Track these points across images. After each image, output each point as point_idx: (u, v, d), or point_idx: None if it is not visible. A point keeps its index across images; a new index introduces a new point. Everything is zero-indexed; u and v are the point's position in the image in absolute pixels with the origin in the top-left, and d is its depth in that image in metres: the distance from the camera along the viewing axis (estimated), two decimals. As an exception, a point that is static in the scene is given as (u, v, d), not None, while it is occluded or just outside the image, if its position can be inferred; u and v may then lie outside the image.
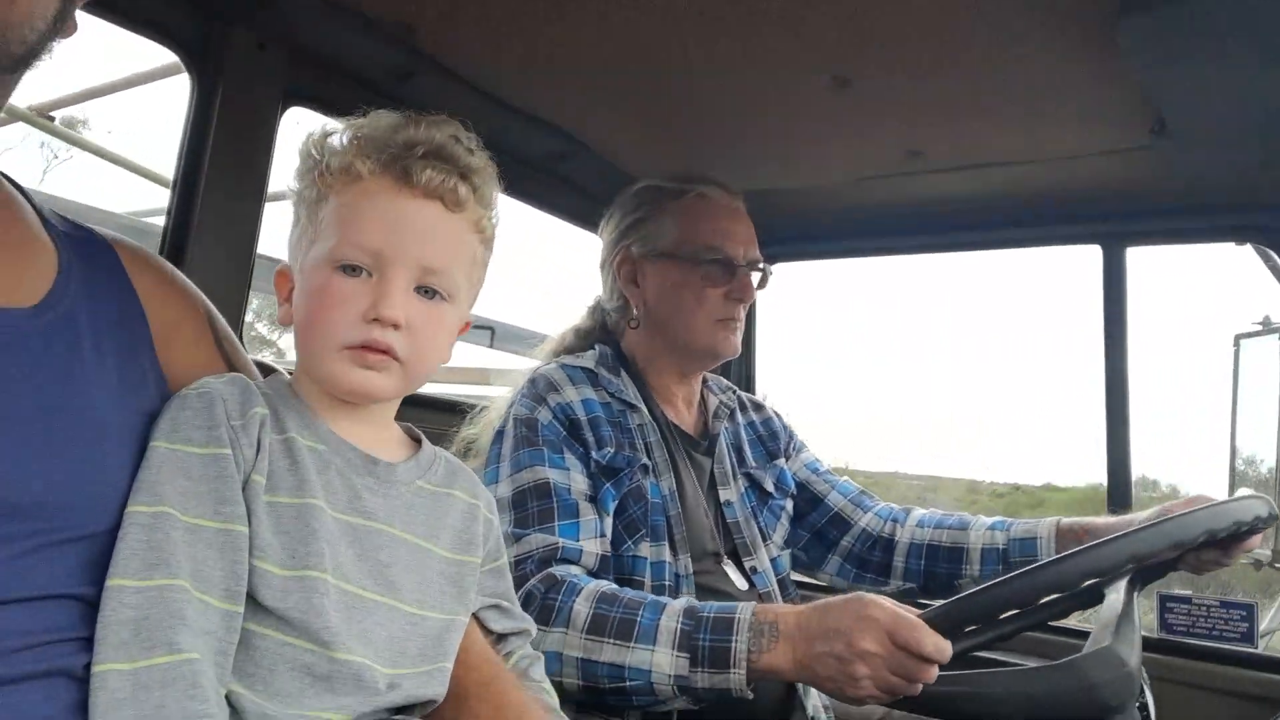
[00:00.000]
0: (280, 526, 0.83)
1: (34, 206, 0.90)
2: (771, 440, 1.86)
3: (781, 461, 1.83)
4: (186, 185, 1.50)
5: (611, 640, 1.26)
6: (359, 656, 0.83)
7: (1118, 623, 1.15)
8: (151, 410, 0.85)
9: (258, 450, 0.85)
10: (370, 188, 0.88)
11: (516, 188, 2.11)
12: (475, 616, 1.03)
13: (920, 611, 1.20)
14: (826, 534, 1.83)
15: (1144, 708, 1.20)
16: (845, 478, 1.91)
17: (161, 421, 0.84)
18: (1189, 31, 1.32)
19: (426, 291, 0.90)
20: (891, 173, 2.06)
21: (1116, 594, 1.21)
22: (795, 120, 1.82)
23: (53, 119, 3.36)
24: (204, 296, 1.04)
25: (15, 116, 3.28)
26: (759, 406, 1.93)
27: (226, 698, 0.78)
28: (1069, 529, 1.63)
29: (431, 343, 0.91)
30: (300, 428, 0.89)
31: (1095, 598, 1.29)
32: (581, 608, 1.28)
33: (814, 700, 1.56)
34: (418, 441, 1.02)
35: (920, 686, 1.15)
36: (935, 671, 1.14)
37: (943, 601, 1.24)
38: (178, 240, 1.49)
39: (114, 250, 0.94)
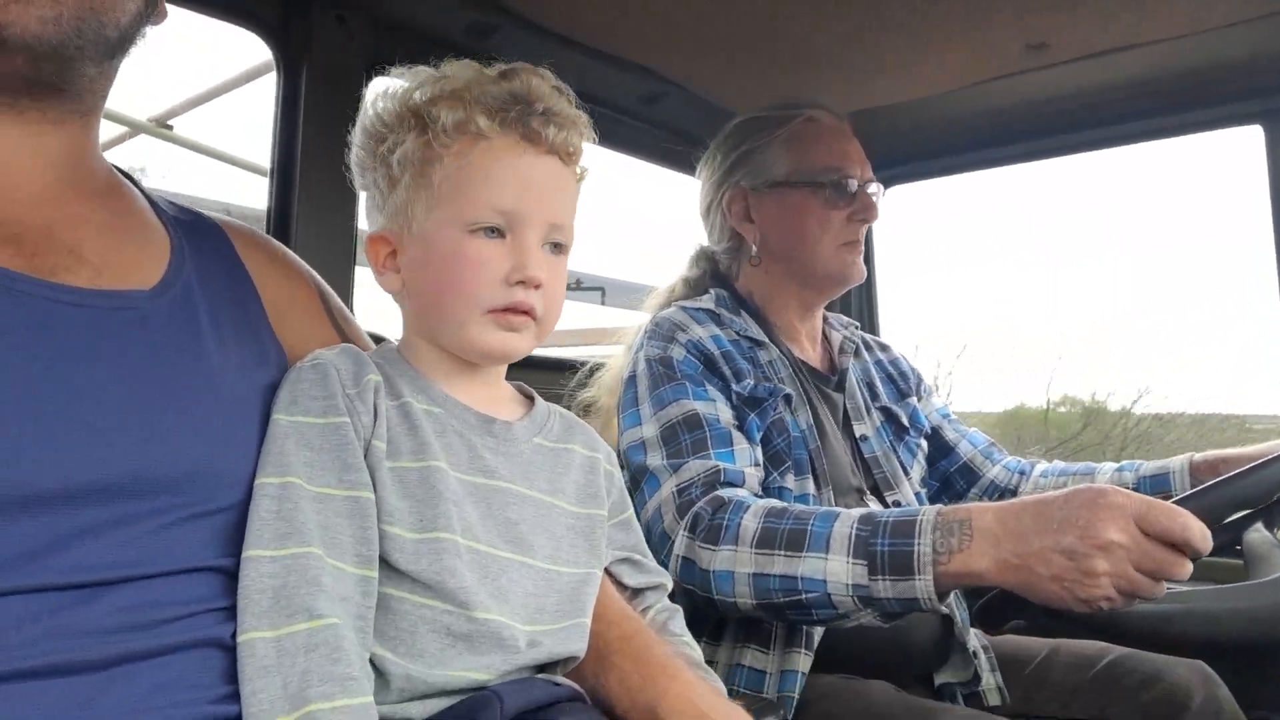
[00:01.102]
0: (406, 490, 0.83)
1: (144, 193, 0.92)
2: (902, 379, 1.79)
3: (914, 400, 1.75)
4: (284, 169, 1.52)
5: (782, 552, 1.19)
6: (497, 615, 0.84)
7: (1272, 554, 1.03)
8: (273, 384, 0.87)
9: (375, 416, 0.85)
10: (495, 146, 0.87)
11: (609, 136, 2.06)
12: (608, 572, 1.01)
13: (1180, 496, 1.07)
14: (954, 483, 1.78)
15: None
16: (974, 428, 1.83)
17: (280, 395, 0.85)
18: None
19: (553, 247, 0.92)
20: (1009, 72, 1.88)
21: (1259, 533, 1.11)
22: (897, 25, 1.68)
23: (170, 128, 3.53)
24: (313, 272, 1.05)
25: (137, 129, 3.47)
26: (884, 346, 1.87)
27: (371, 662, 0.79)
28: (1204, 463, 1.54)
29: (560, 297, 0.93)
30: (415, 392, 0.89)
31: None
32: (750, 523, 1.23)
33: (974, 639, 1.47)
34: (530, 399, 1.01)
35: (1164, 587, 1.01)
36: (1189, 567, 1.00)
37: (1200, 487, 1.10)
38: (281, 224, 1.51)
39: (223, 231, 0.96)
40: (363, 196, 0.97)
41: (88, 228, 0.81)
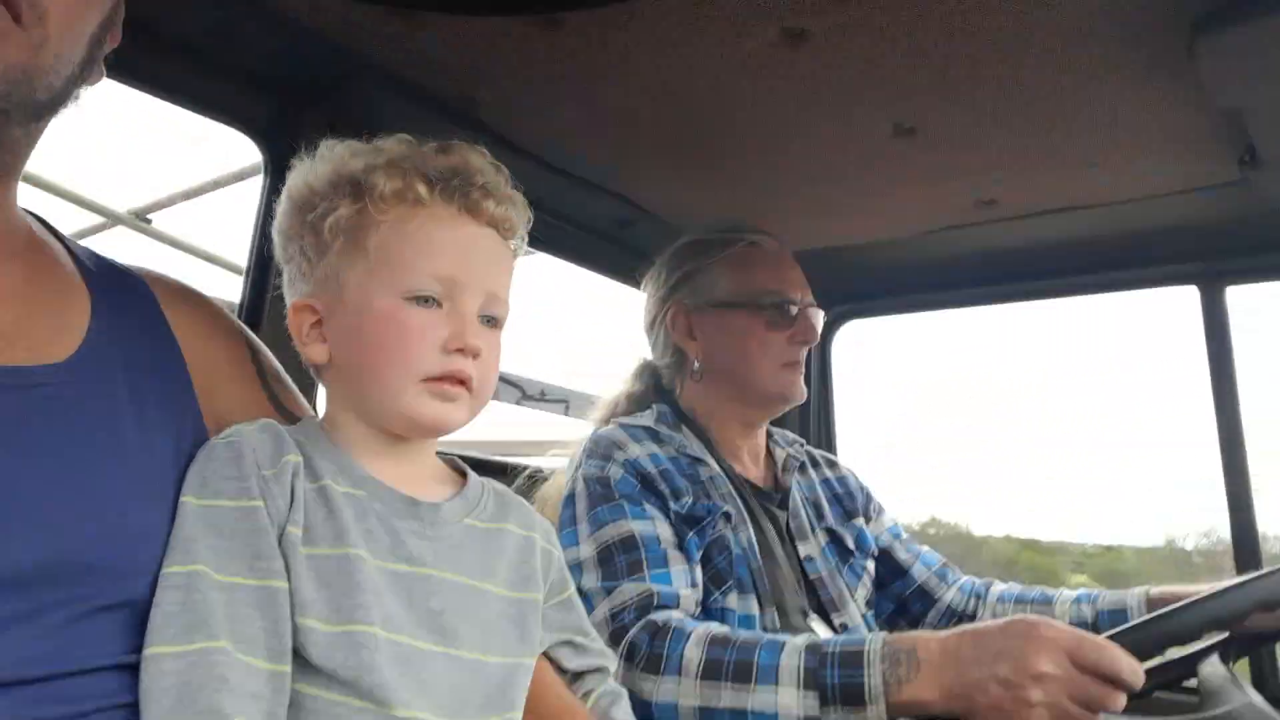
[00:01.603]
0: (322, 580, 0.79)
1: (67, 248, 0.87)
2: (849, 499, 1.78)
3: (860, 521, 1.74)
4: (260, 267, 1.54)
5: (730, 684, 1.17)
6: (419, 712, 0.78)
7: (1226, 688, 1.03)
8: (190, 462, 0.82)
9: (291, 500, 0.81)
10: (435, 215, 0.87)
11: (582, 254, 2.13)
12: (547, 656, 0.97)
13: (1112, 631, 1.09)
14: (910, 607, 1.75)
15: None
16: (926, 547, 1.82)
17: (191, 475, 0.80)
18: (1271, 48, 1.25)
19: (489, 320, 0.89)
20: (962, 223, 2.00)
21: (1212, 666, 1.10)
22: (859, 173, 1.79)
23: (149, 221, 3.57)
24: (247, 330, 1.01)
25: (115, 220, 3.50)
26: (832, 464, 1.86)
27: None
28: (1160, 597, 1.52)
29: (495, 370, 0.90)
30: (336, 473, 0.85)
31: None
32: (693, 653, 1.21)
33: None
34: (463, 475, 0.96)
35: (1101, 717, 1.02)
36: (1123, 699, 1.01)
37: (1131, 623, 1.12)
38: (252, 320, 1.52)
39: (148, 287, 0.91)
40: (285, 271, 0.94)
41: (1, 295, 0.76)
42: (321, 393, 0.96)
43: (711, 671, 1.19)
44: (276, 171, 1.56)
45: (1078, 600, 1.63)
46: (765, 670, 1.17)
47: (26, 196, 0.86)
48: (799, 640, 1.20)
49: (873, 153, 1.70)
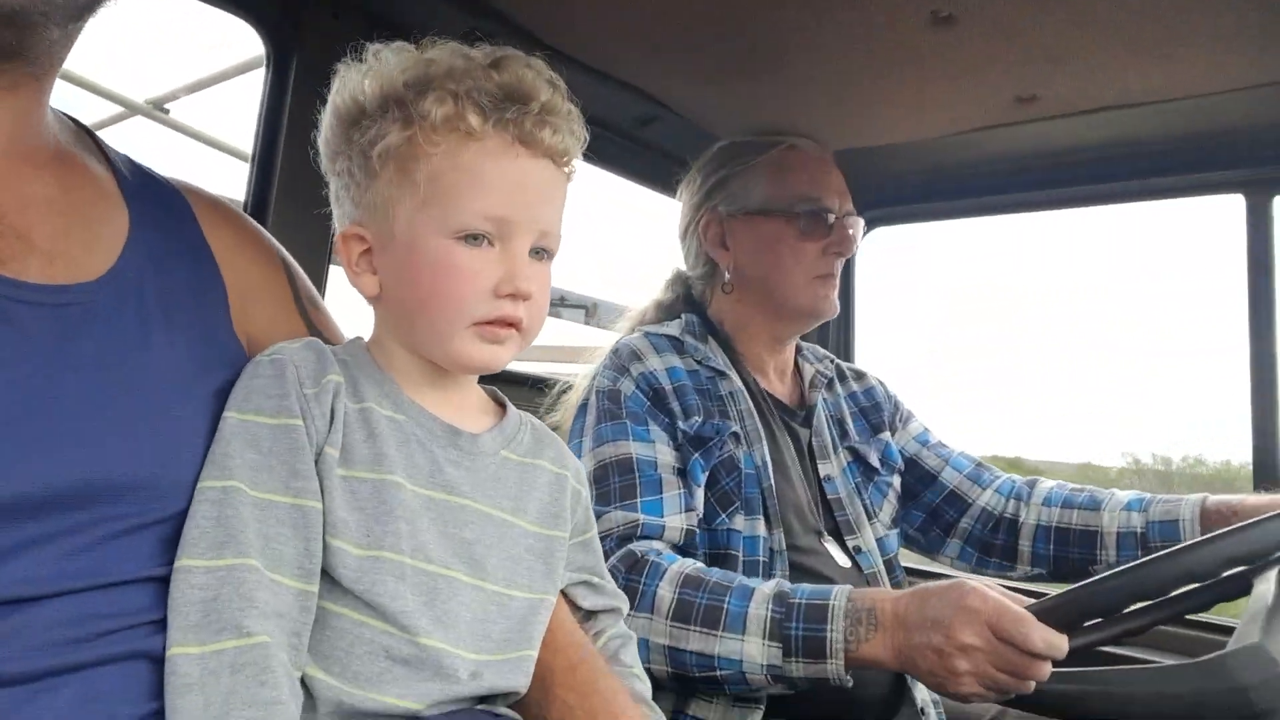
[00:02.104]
0: (356, 503, 0.79)
1: (104, 153, 0.86)
2: (875, 412, 1.74)
3: (886, 435, 1.72)
4: (265, 159, 1.51)
5: (698, 628, 1.20)
6: (440, 642, 0.80)
7: (1268, 616, 1.01)
8: (227, 384, 0.82)
9: (331, 421, 0.80)
10: (488, 147, 0.81)
11: (598, 153, 2.06)
12: (563, 593, 0.98)
13: (1031, 603, 1.09)
14: (943, 514, 1.70)
15: None
16: (959, 450, 1.76)
17: (235, 390, 0.81)
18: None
19: (539, 253, 0.86)
20: (999, 122, 1.89)
21: (1266, 585, 1.06)
22: (892, 67, 1.69)
23: (167, 111, 3.52)
24: (283, 250, 0.99)
25: (134, 110, 3.45)
26: (860, 375, 1.82)
27: (302, 681, 0.75)
28: (1216, 509, 1.45)
29: (544, 307, 0.88)
30: (379, 397, 0.85)
31: (1242, 588, 1.12)
32: (665, 592, 1.23)
33: (923, 693, 1.46)
34: (501, 406, 0.96)
35: (1032, 684, 1.05)
36: (1047, 669, 1.04)
37: (1057, 592, 1.12)
38: (258, 213, 1.49)
39: (188, 203, 0.90)
40: (331, 184, 0.90)
41: (38, 208, 0.76)
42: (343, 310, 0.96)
43: (682, 614, 1.21)
44: (279, 60, 1.51)
45: (1128, 508, 1.54)
46: (734, 618, 1.20)
47: None
48: (768, 588, 1.22)
49: (908, 44, 1.60)
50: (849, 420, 1.71)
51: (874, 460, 1.66)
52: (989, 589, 1.11)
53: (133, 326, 0.77)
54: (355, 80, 0.85)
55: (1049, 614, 1.06)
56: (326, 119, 0.88)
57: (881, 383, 1.83)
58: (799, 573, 1.42)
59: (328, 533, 0.77)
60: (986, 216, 2.36)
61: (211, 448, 0.77)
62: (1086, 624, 1.10)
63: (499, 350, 0.84)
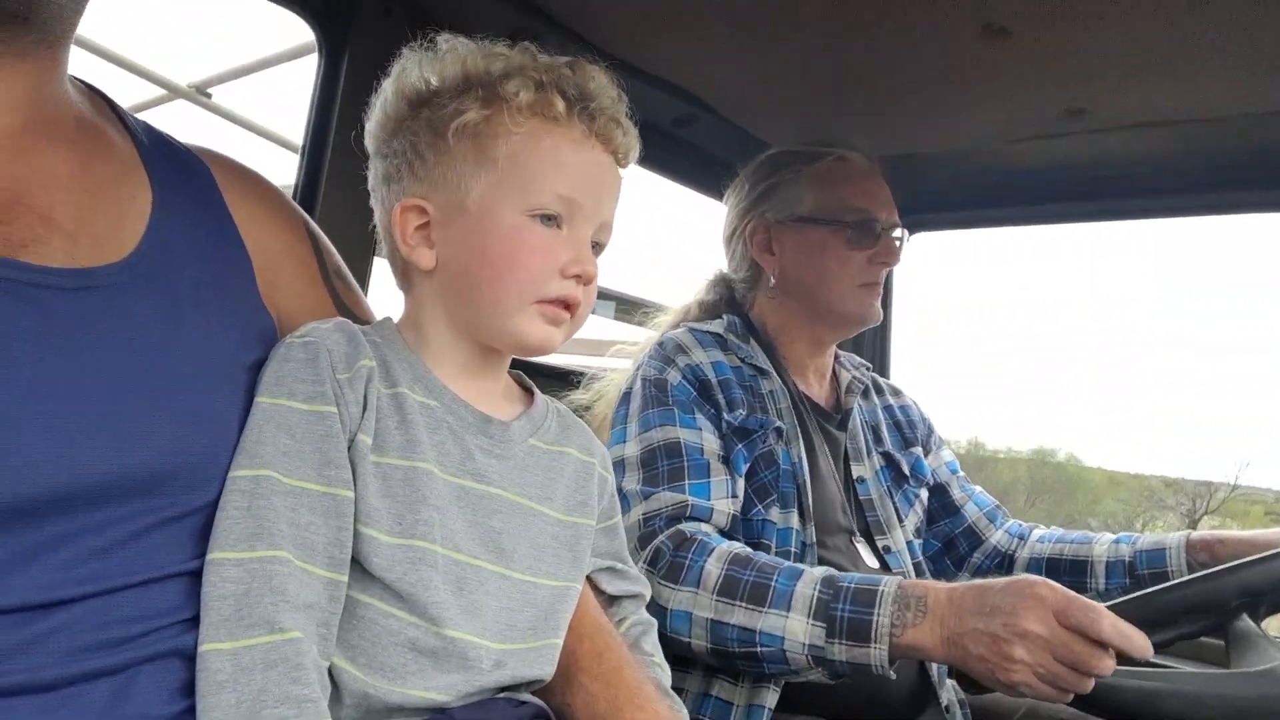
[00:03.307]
0: (388, 490, 0.79)
1: (123, 121, 0.83)
2: (910, 428, 1.77)
3: (919, 450, 1.74)
4: (315, 150, 1.52)
5: (743, 604, 1.21)
6: (466, 633, 0.80)
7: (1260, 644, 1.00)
8: (261, 360, 0.80)
9: (365, 407, 0.80)
10: (571, 134, 0.85)
11: (642, 155, 2.06)
12: (588, 579, 0.99)
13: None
14: (958, 546, 1.76)
15: None
16: (980, 488, 1.81)
17: (266, 374, 0.80)
18: None
19: (595, 245, 0.89)
20: (1048, 133, 1.87)
21: (1244, 624, 1.08)
22: (942, 76, 1.67)
23: (210, 95, 3.55)
24: (310, 221, 0.97)
25: (176, 94, 3.49)
26: (897, 392, 1.85)
27: (328, 671, 0.75)
28: (1200, 542, 1.52)
29: (594, 297, 0.90)
30: (412, 381, 0.85)
31: None
32: (713, 568, 1.24)
33: (949, 693, 1.46)
34: (529, 393, 0.97)
35: (1091, 682, 1.03)
36: (1111, 663, 1.02)
37: (1134, 595, 1.13)
38: (306, 203, 1.51)
39: (209, 172, 0.86)
40: (380, 166, 0.91)
41: (59, 185, 0.72)
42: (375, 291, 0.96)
43: (728, 589, 1.22)
44: (330, 51, 1.52)
45: (1117, 541, 1.62)
46: (780, 595, 1.20)
47: (85, 65, 0.82)
48: (818, 571, 1.23)
49: (959, 54, 1.58)
50: (884, 429, 1.73)
51: (905, 469, 1.68)
52: (1058, 585, 1.09)
53: (161, 308, 0.74)
54: (421, 60, 0.87)
55: (1124, 606, 1.06)
56: (388, 98, 0.89)
57: (917, 404, 1.85)
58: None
59: (359, 521, 0.77)
60: (1027, 225, 2.34)
61: (243, 434, 0.76)
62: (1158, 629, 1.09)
63: (554, 332, 0.86)
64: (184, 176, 0.83)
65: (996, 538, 1.74)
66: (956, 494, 1.77)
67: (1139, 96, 1.69)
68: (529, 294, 0.84)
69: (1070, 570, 1.63)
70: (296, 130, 1.59)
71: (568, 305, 0.86)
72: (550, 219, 0.84)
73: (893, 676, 1.17)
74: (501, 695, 0.85)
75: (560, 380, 1.78)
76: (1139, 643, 1.02)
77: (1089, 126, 1.82)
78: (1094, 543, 1.64)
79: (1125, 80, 1.63)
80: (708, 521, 1.34)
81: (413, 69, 0.88)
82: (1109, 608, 1.06)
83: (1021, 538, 1.74)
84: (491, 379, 0.92)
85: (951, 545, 1.76)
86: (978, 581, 1.17)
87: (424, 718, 0.79)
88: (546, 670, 0.88)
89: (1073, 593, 1.06)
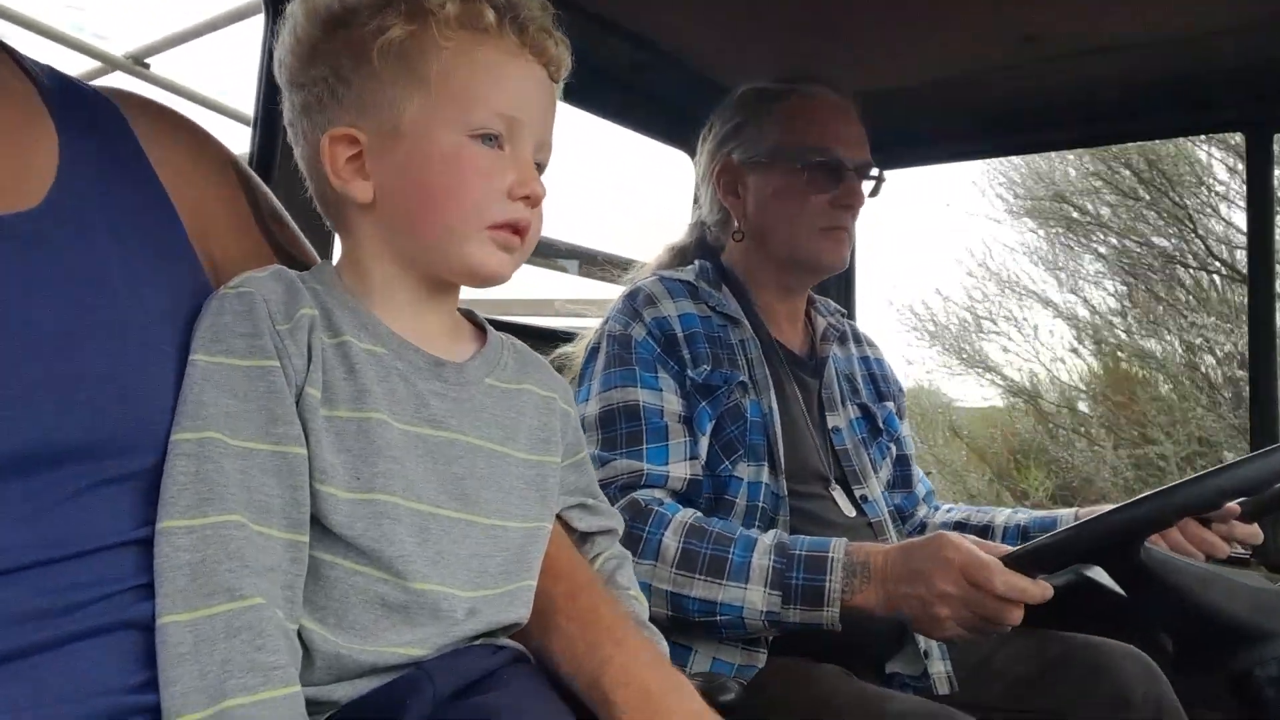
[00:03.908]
0: (342, 444, 0.75)
1: (21, 66, 0.76)
2: (884, 382, 1.77)
3: (891, 405, 1.74)
4: (268, 117, 1.48)
5: (703, 577, 1.26)
6: (435, 584, 0.78)
7: None
8: (193, 311, 0.75)
9: (309, 359, 0.76)
10: (503, 46, 0.80)
11: (595, 102, 2.03)
12: (559, 517, 0.96)
13: (1006, 551, 1.15)
14: (902, 520, 1.76)
15: None
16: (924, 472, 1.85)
17: (200, 328, 0.74)
18: None
19: (536, 165, 0.85)
20: (1004, 64, 1.88)
21: None
22: (897, 8, 1.66)
23: (148, 65, 3.44)
24: (239, 161, 0.90)
25: (113, 65, 3.37)
26: (871, 343, 1.84)
27: (297, 634, 0.73)
28: (1088, 513, 1.53)
29: (542, 224, 0.85)
30: (356, 329, 0.80)
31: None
32: (670, 541, 1.27)
33: None
34: (481, 330, 0.93)
35: (1008, 626, 1.14)
36: (1018, 613, 1.11)
37: (1034, 541, 1.18)
38: (263, 167, 1.47)
39: (120, 113, 0.79)
40: (297, 97, 0.84)
41: None
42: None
43: (687, 562, 1.26)
44: (279, 12, 1.47)
45: (1015, 511, 1.69)
46: (738, 567, 1.25)
47: (14, 38, 0.78)
48: (768, 539, 1.27)
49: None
50: (859, 380, 1.72)
51: (879, 421, 1.69)
52: (964, 540, 1.17)
53: (80, 260, 0.69)
54: None
55: (1018, 561, 1.13)
56: (298, 22, 0.82)
57: (888, 363, 1.84)
58: (802, 519, 1.44)
59: (315, 479, 0.74)
60: (990, 158, 2.36)
61: (181, 394, 0.71)
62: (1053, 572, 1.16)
63: (507, 259, 0.83)
64: (94, 120, 0.77)
65: (923, 513, 1.78)
66: (912, 470, 1.78)
67: (1091, 21, 1.70)
68: (477, 219, 0.80)
69: (974, 534, 1.63)
70: (241, 99, 1.55)
71: (517, 230, 0.82)
72: (492, 139, 0.80)
73: (839, 629, 1.23)
74: (478, 643, 0.83)
75: (542, 340, 1.77)
76: (1034, 592, 1.11)
77: (1046, 54, 1.82)
78: (995, 513, 1.69)
79: (1077, 5, 1.64)
80: (663, 488, 1.35)
81: None
82: (1009, 556, 1.14)
83: (936, 509, 1.79)
84: (441, 314, 0.88)
85: (898, 518, 1.76)
86: (905, 543, 1.25)
87: (399, 674, 0.77)
88: (522, 614, 0.86)
89: (973, 551, 1.14)
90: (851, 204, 1.56)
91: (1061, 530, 1.14)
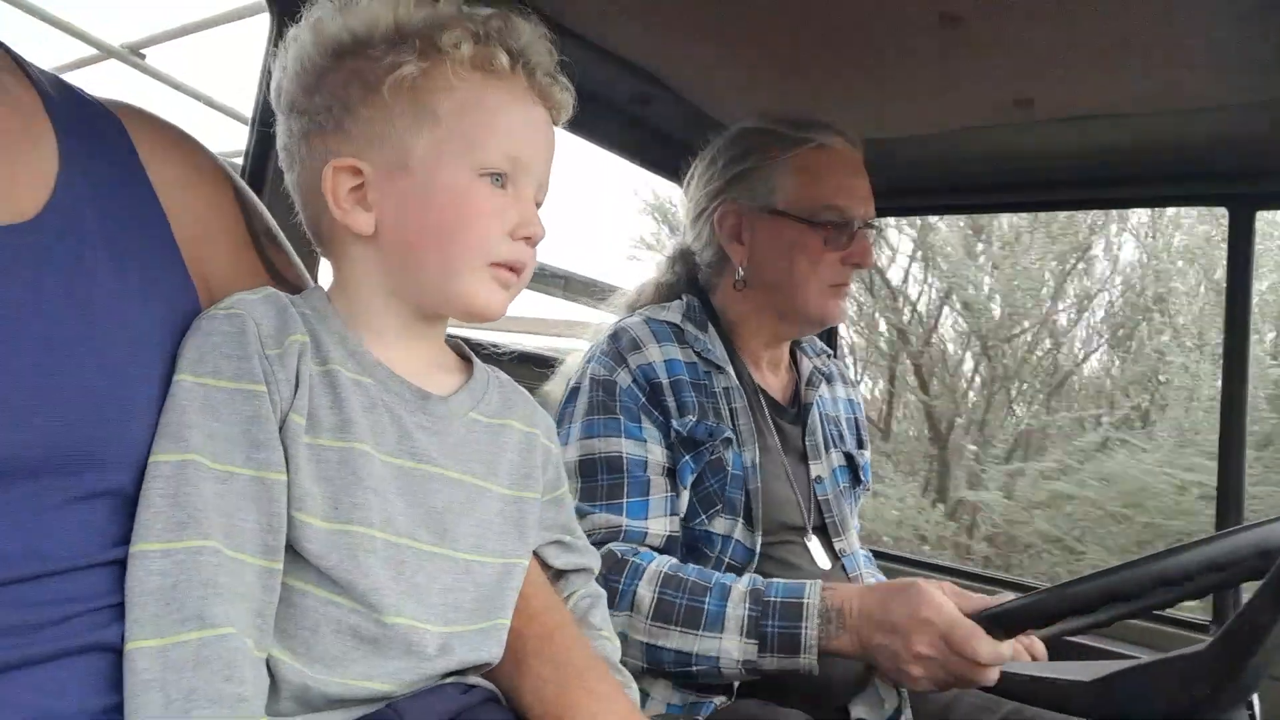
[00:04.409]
0: (322, 473, 0.75)
1: (26, 74, 0.76)
2: (863, 429, 1.76)
3: (868, 453, 1.73)
4: (266, 117, 1.47)
5: (678, 628, 1.25)
6: (408, 619, 0.78)
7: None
8: (181, 330, 0.75)
9: (296, 386, 0.76)
10: (514, 89, 0.83)
11: (594, 131, 2.04)
12: (535, 554, 0.96)
13: (980, 610, 1.16)
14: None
15: (1249, 706, 1.10)
16: None
17: (187, 349, 0.74)
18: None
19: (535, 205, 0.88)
20: (997, 123, 1.91)
21: None
22: (897, 62, 1.68)
23: (144, 56, 3.41)
24: (238, 179, 0.90)
25: (108, 53, 3.35)
26: (854, 384, 1.81)
27: (265, 663, 0.72)
28: None
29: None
30: (344, 357, 0.80)
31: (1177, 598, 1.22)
32: (645, 592, 1.26)
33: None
34: (467, 361, 0.93)
35: (988, 679, 1.15)
36: (994, 675, 1.13)
37: (1007, 600, 1.19)
38: (257, 175, 1.46)
39: (123, 126, 0.79)
40: (295, 123, 0.84)
41: None
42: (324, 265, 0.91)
43: (662, 614, 1.25)
44: (283, 26, 1.47)
45: None
46: (713, 618, 1.24)
47: (10, 22, 0.77)
48: (743, 585, 1.27)
49: (915, 42, 1.59)
50: (843, 425, 1.70)
51: (859, 471, 1.67)
52: (943, 598, 1.18)
53: (71, 274, 0.68)
54: (349, 10, 0.82)
55: (996, 621, 1.14)
56: (306, 50, 0.83)
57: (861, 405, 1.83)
58: (776, 567, 1.42)
59: (292, 506, 0.73)
60: (974, 214, 2.39)
61: (164, 415, 0.71)
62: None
63: (504, 296, 0.84)
64: (95, 134, 0.77)
65: None
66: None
67: (1083, 88, 1.73)
68: (481, 256, 0.82)
69: None
70: (236, 96, 1.54)
71: (515, 268, 0.84)
72: (498, 178, 0.82)
73: (816, 673, 1.23)
74: (448, 681, 0.82)
75: (526, 364, 1.75)
76: (1008, 655, 1.14)
77: (1037, 117, 1.86)
78: None
79: (1069, 71, 1.67)
80: (641, 543, 1.34)
81: (331, 18, 0.82)
82: (987, 615, 1.15)
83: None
84: (430, 345, 0.89)
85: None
86: (879, 587, 1.25)
87: (367, 709, 0.76)
88: (494, 653, 0.86)
89: (955, 615, 1.15)
90: (862, 263, 1.54)
91: (1043, 590, 1.14)
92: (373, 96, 0.80)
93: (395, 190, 0.81)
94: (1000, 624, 1.14)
